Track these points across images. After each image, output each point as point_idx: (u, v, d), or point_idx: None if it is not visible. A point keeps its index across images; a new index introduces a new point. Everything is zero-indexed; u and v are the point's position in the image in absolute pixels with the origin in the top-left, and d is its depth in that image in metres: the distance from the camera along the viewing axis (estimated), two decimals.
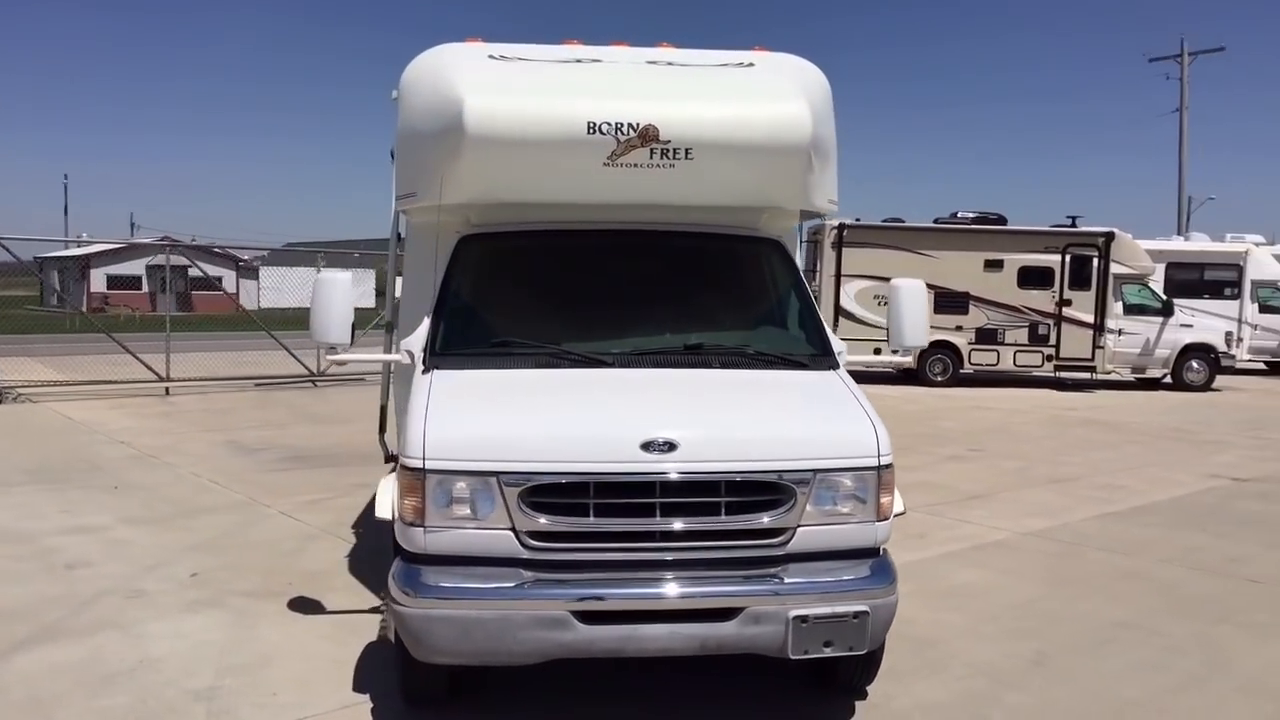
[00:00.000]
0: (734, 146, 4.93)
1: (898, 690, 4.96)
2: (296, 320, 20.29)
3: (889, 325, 5.50)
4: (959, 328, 20.57)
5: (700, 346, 5.12)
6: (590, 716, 4.76)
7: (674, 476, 4.22)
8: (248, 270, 54.69)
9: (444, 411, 4.39)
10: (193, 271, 32.59)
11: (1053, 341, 20.79)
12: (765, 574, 4.31)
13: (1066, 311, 20.65)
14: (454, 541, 4.23)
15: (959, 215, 21.35)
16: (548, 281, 5.60)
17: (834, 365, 5.16)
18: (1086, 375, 21.38)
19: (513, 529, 4.21)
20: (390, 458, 7.99)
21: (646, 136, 4.83)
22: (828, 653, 4.29)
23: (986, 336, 20.73)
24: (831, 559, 4.41)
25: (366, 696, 4.87)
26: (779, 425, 4.51)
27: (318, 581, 6.62)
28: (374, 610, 6.04)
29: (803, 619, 4.21)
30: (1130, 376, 22.10)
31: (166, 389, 17.00)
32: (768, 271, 5.69)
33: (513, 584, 4.20)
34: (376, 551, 7.23)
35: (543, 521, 4.19)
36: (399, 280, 6.75)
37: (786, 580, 4.30)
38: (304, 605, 6.16)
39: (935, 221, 21.34)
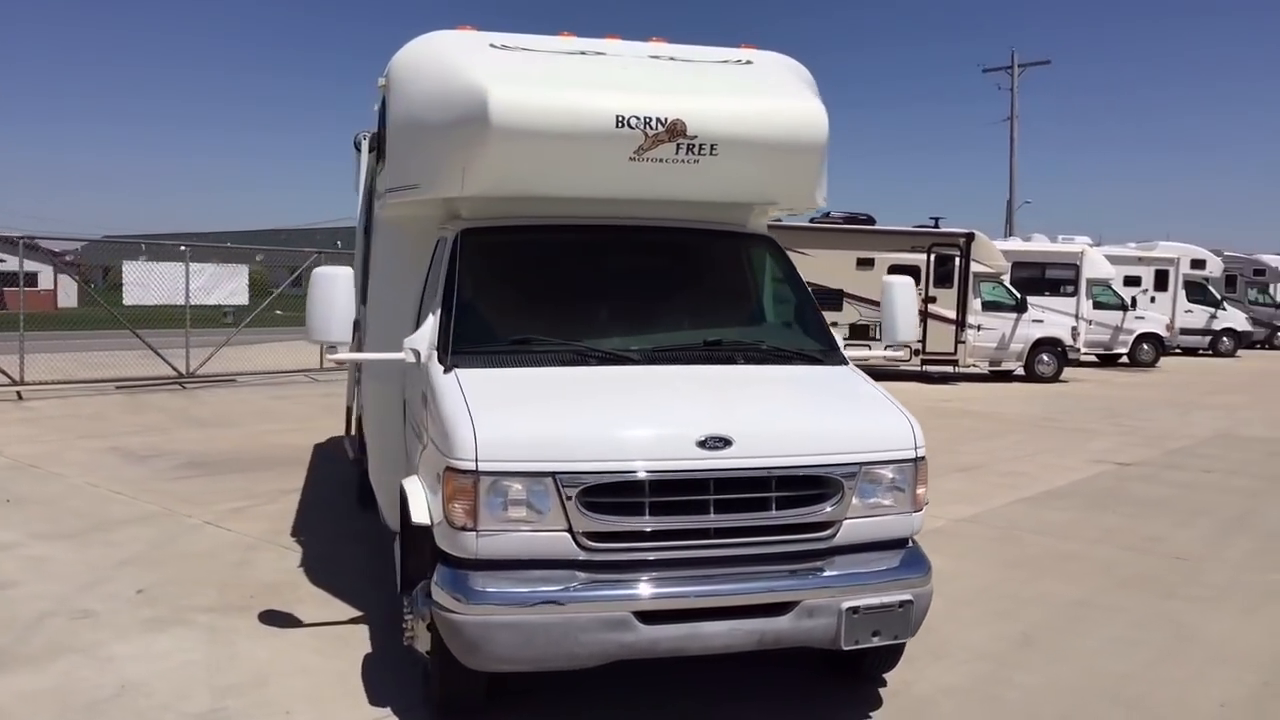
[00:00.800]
0: (759, 143, 4.95)
1: (913, 676, 5.08)
2: (153, 318, 19.32)
3: (883, 321, 5.63)
4: (834, 324, 21.12)
5: (719, 343, 5.12)
6: (620, 714, 4.69)
7: (729, 473, 4.21)
8: (67, 265, 51.15)
9: (490, 411, 4.23)
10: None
11: (919, 337, 21.68)
12: (815, 567, 4.36)
13: (932, 308, 21.57)
14: (507, 545, 4.10)
15: (831, 215, 22.02)
16: (552, 277, 5.48)
17: (843, 360, 5.25)
18: (949, 369, 22.40)
19: (569, 530, 4.10)
20: (357, 459, 7.68)
21: (674, 131, 4.80)
22: (875, 642, 4.36)
23: (859, 332, 21.44)
24: (871, 550, 4.48)
25: (388, 710, 4.67)
26: (825, 420, 4.56)
27: (280, 594, 6.29)
28: (354, 621, 5.80)
29: (854, 610, 4.27)
30: (986, 369, 23.29)
31: (19, 393, 15.76)
32: (768, 268, 5.73)
33: (573, 586, 4.10)
34: (328, 559, 6.96)
35: (600, 521, 4.11)
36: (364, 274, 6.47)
37: (837, 573, 4.36)
38: (277, 619, 5.84)
39: (811, 221, 21.93)
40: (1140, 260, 30.39)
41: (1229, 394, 20.68)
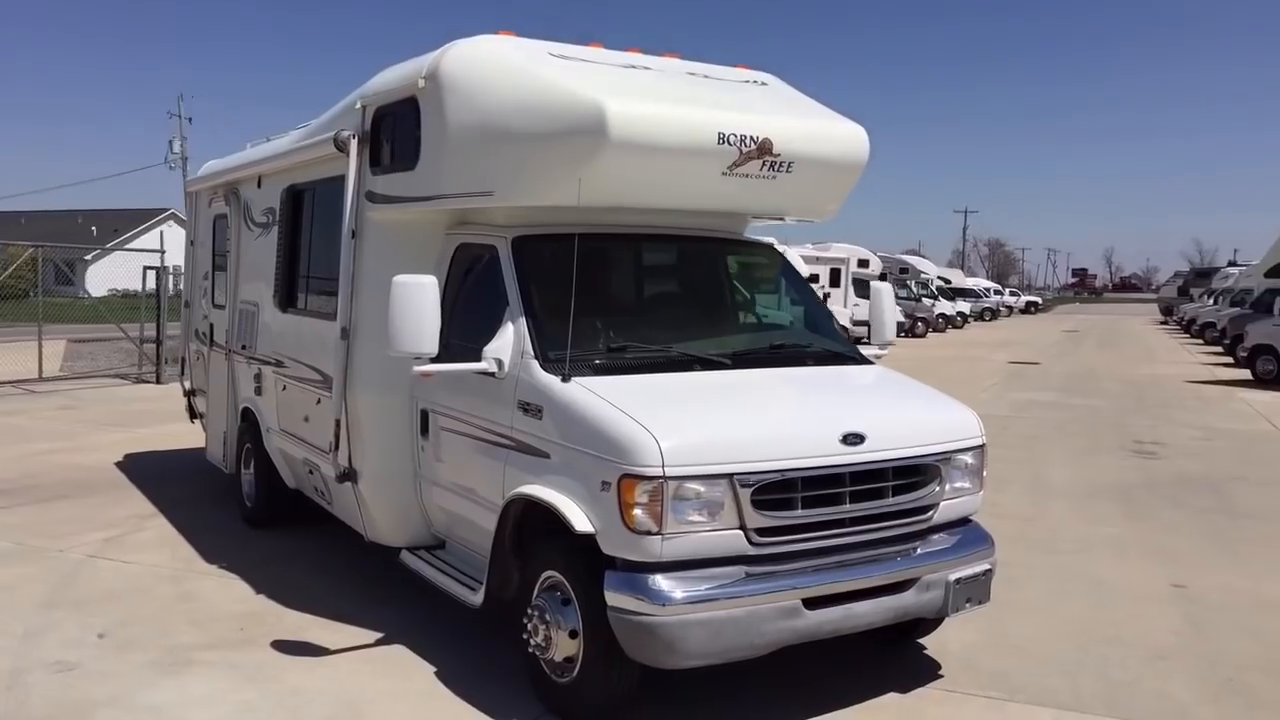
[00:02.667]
0: (825, 161, 5.37)
1: (944, 636, 5.69)
2: None
3: (870, 322, 6.23)
4: None
5: (782, 347, 5.48)
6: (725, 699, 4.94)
7: (863, 466, 4.62)
8: None
9: (659, 418, 4.35)
10: None
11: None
12: (925, 546, 4.87)
13: None
14: (688, 546, 4.27)
15: None
16: (609, 283, 5.60)
17: (871, 360, 5.80)
18: None
19: (741, 527, 4.34)
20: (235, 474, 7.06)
21: (763, 149, 5.11)
22: (967, 608, 4.94)
23: None
24: (952, 528, 5.07)
25: None
26: (922, 414, 5.07)
27: (270, 622, 5.88)
28: (379, 643, 5.57)
29: (958, 581, 4.83)
30: None
31: None
32: (781, 273, 6.15)
33: (749, 580, 4.34)
34: (281, 582, 6.57)
35: (768, 517, 4.38)
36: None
37: (941, 550, 4.90)
38: (299, 649, 5.49)
39: None
40: (818, 259, 33.63)
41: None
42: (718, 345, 5.32)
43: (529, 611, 4.74)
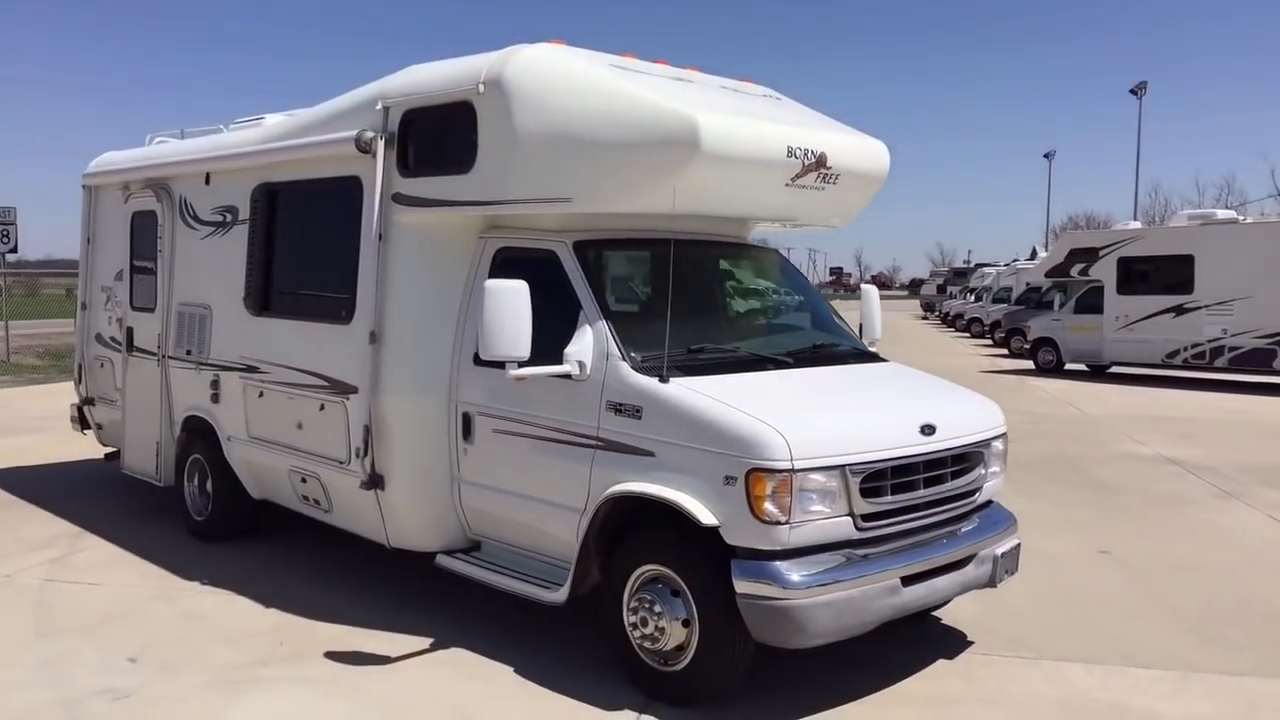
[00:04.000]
0: (862, 174, 5.80)
1: (953, 610, 6.22)
2: None
3: (862, 322, 6.73)
4: None
5: (823, 346, 5.87)
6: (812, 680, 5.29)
7: (935, 454, 5.08)
8: None
9: (778, 414, 4.64)
10: None
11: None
12: (976, 525, 5.40)
13: None
14: (809, 533, 4.59)
15: None
16: (664, 287, 5.79)
17: (884, 358, 6.28)
18: None
19: (850, 514, 4.71)
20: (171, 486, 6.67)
21: (820, 163, 5.48)
22: (1005, 579, 5.50)
23: None
24: (985, 508, 5.62)
25: (627, 711, 4.79)
26: (965, 406, 5.57)
27: (304, 635, 5.74)
28: (434, 648, 5.55)
29: (1001, 555, 5.38)
30: None
31: None
32: (788, 276, 6.53)
33: (859, 562, 4.71)
34: (289, 595, 6.38)
35: (871, 504, 4.76)
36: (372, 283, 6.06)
37: (987, 527, 5.44)
38: (360, 658, 5.40)
39: None
40: None
41: None
42: (773, 345, 5.66)
43: (632, 605, 4.92)
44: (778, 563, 4.53)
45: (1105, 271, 22.58)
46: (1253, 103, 78.92)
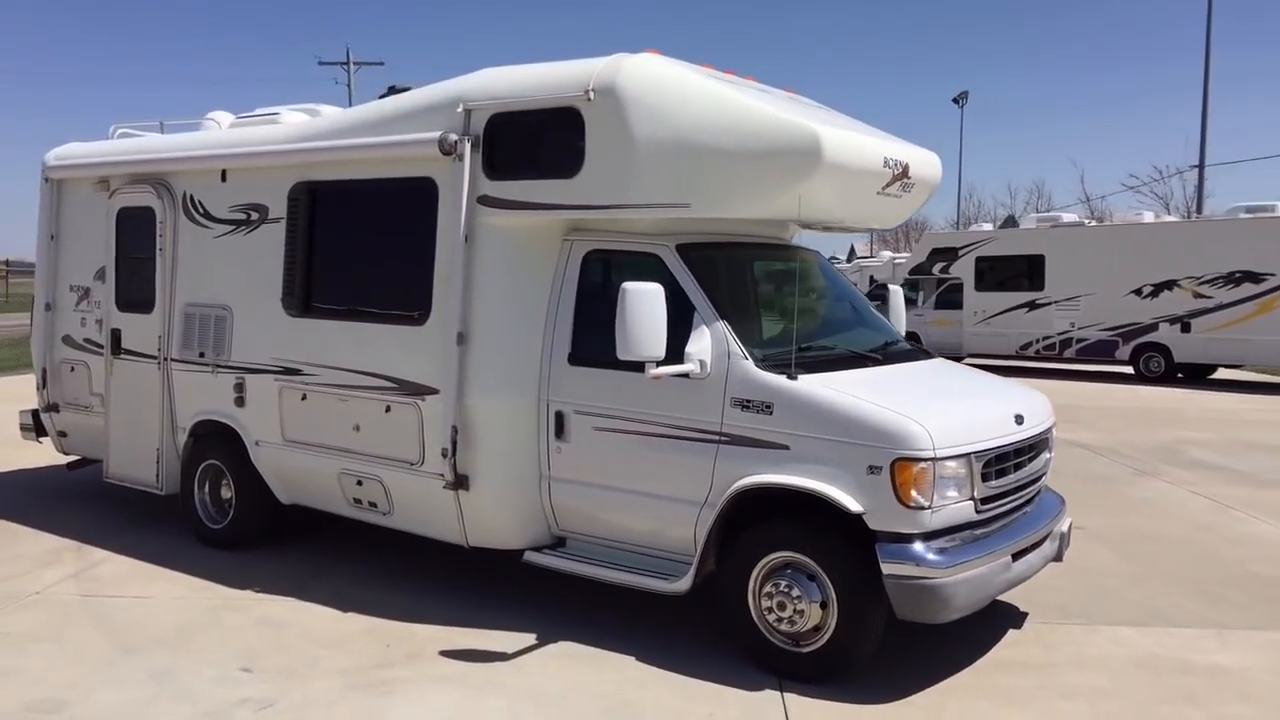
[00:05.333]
0: (928, 184, 6.26)
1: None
2: None
3: (891, 322, 7.20)
4: None
5: (891, 344, 6.28)
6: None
7: (1024, 441, 5.59)
8: None
9: (913, 409, 5.03)
10: None
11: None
12: (1046, 505, 5.93)
13: None
14: (944, 517, 5.01)
15: None
16: (750, 288, 6.07)
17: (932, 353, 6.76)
18: None
19: (973, 498, 5.14)
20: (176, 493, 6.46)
21: (904, 172, 5.91)
22: (1064, 555, 6.06)
23: None
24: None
25: (766, 691, 5.08)
26: (1034, 397, 6.08)
27: (403, 636, 5.75)
28: (543, 642, 5.67)
29: (1064, 533, 5.95)
30: None
31: None
32: (832, 278, 6.92)
33: (983, 541, 5.15)
34: (350, 598, 6.35)
35: (988, 488, 5.22)
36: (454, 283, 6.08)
37: (1053, 507, 5.99)
38: (480, 656, 5.48)
39: None
40: None
41: None
42: (858, 342, 6.03)
43: (766, 590, 5.21)
44: (918, 545, 4.92)
45: (964, 270, 24.18)
46: (1062, 111, 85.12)
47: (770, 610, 5.21)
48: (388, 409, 6.39)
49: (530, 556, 6.06)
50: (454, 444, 5.99)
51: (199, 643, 5.63)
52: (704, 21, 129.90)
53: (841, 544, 5.05)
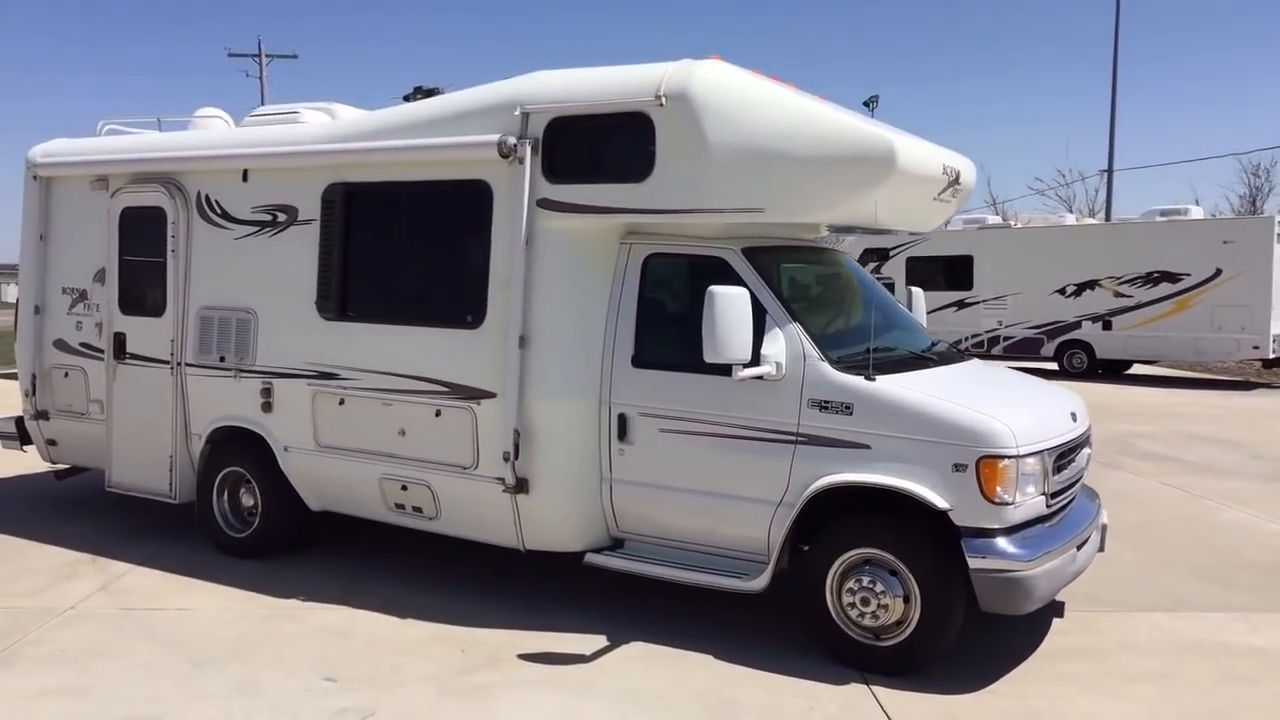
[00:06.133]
0: (969, 189, 6.48)
1: None
2: None
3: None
4: None
5: (934, 344, 6.47)
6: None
7: (1081, 437, 5.85)
8: None
9: (992, 407, 5.22)
10: None
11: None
12: (1090, 499, 6.21)
13: None
14: (1024, 511, 5.23)
15: None
16: (807, 290, 6.19)
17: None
18: None
19: (1044, 492, 5.36)
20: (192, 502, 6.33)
21: (957, 179, 6.11)
22: (1105, 546, 6.32)
23: None
24: None
25: (853, 685, 5.21)
26: (1075, 395, 6.34)
27: (471, 643, 5.71)
28: (615, 644, 5.70)
29: (1105, 524, 6.23)
30: None
31: None
32: (868, 276, 7.10)
33: (1050, 534, 5.37)
34: (402, 605, 6.31)
35: (1055, 483, 5.45)
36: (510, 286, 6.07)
37: (1092, 499, 6.26)
38: (561, 659, 5.49)
39: None
40: None
41: None
42: (912, 343, 6.22)
43: (849, 586, 5.34)
44: (1002, 540, 5.11)
45: (896, 270, 24.80)
46: (970, 115, 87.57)
47: (853, 605, 5.35)
48: (438, 413, 6.33)
49: (592, 558, 6.08)
50: (516, 447, 5.98)
51: (267, 654, 5.52)
52: (593, 22, 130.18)
53: (925, 540, 5.21)
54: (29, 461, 9.04)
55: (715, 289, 5.21)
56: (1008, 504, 5.08)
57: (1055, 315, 22.82)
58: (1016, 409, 5.42)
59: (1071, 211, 43.75)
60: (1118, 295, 22.17)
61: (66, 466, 8.60)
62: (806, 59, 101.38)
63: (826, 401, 5.41)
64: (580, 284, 6.04)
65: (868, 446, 5.30)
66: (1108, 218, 33.20)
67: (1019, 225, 26.09)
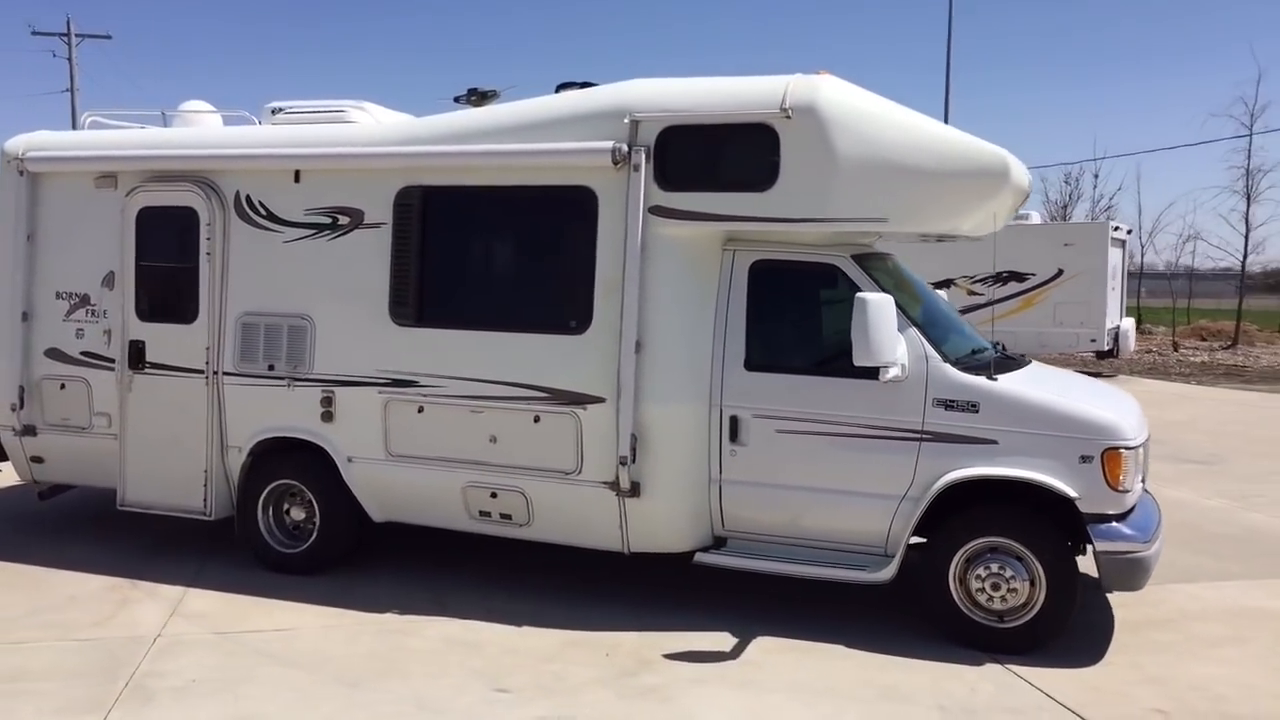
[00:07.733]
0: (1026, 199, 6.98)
1: None
2: None
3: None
4: None
5: (997, 344, 6.94)
6: None
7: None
8: None
9: (1103, 405, 5.74)
10: None
11: None
12: None
13: None
14: (1132, 498, 5.75)
15: None
16: (902, 294, 6.53)
17: None
18: None
19: (1142, 481, 5.91)
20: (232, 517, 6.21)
21: (1029, 190, 6.58)
22: None
23: None
24: None
25: (988, 665, 5.59)
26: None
27: (609, 646, 5.76)
28: (745, 640, 5.86)
29: None
30: None
31: None
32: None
33: (1149, 516, 5.92)
34: (518, 613, 6.31)
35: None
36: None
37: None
38: (708, 657, 5.63)
39: None
40: None
41: None
42: (981, 345, 6.65)
43: (978, 573, 5.72)
44: (1121, 524, 5.61)
45: None
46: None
47: (981, 590, 5.73)
48: (536, 419, 6.31)
49: (702, 557, 6.22)
50: (633, 452, 6.05)
51: (410, 668, 5.40)
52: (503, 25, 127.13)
53: (1051, 527, 5.65)
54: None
55: (865, 296, 5.48)
56: (1127, 491, 5.59)
57: None
58: (1118, 405, 5.94)
59: None
60: (971, 294, 23.74)
61: (50, 485, 7.97)
62: (712, 50, 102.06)
63: (952, 400, 5.76)
64: (688, 289, 6.17)
65: (995, 442, 5.69)
66: None
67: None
